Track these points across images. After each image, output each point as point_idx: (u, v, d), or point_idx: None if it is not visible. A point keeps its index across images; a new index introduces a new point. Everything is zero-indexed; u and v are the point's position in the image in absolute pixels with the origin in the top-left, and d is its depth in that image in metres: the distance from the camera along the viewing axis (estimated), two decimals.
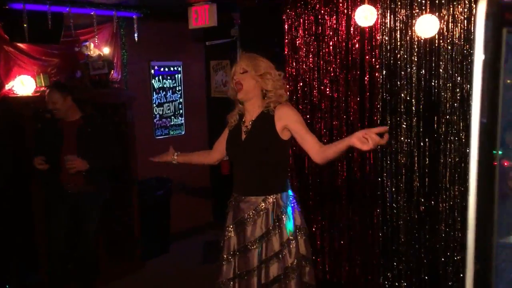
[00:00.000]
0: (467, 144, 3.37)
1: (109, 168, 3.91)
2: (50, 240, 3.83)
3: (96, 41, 4.43)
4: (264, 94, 2.56)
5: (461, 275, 3.46)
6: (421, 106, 3.55)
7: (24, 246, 4.06)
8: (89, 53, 4.46)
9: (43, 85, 4.18)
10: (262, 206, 2.49)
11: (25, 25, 3.84)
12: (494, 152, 0.70)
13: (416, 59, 3.53)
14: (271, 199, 2.49)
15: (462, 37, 3.31)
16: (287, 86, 2.66)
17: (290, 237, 2.47)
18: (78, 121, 3.74)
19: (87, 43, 4.46)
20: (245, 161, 2.56)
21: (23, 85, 4.05)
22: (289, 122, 2.46)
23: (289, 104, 2.60)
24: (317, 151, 2.37)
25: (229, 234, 2.57)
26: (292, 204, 2.57)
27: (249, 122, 2.58)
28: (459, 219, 3.45)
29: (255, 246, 2.47)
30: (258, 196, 2.51)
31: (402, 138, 3.65)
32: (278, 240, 2.45)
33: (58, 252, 3.80)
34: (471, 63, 3.28)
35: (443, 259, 3.56)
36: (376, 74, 3.73)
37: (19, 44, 4.12)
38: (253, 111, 2.57)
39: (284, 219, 2.48)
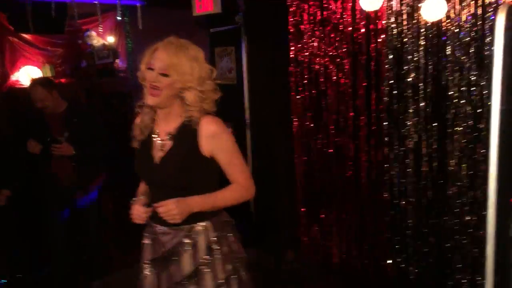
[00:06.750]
0: (474, 127, 3.35)
1: (98, 157, 3.80)
2: (50, 239, 3.83)
3: (100, 30, 4.42)
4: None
5: (470, 259, 3.48)
6: (428, 91, 3.53)
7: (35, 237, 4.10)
8: (92, 42, 4.46)
9: (49, 75, 4.19)
10: (188, 237, 2.00)
11: (29, 15, 3.84)
12: None
13: (423, 43, 3.49)
14: (199, 227, 2.01)
15: (470, 20, 3.27)
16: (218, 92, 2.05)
17: (228, 273, 2.03)
18: (64, 112, 3.67)
19: (89, 32, 4.46)
20: (164, 184, 2.01)
21: (29, 76, 4.07)
22: (216, 149, 1.99)
23: (218, 120, 2.02)
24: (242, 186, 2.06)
25: (146, 273, 2.07)
26: (227, 231, 2.10)
27: (165, 135, 2.01)
28: (466, 203, 3.45)
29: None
30: (183, 225, 1.98)
31: (409, 123, 3.64)
32: (212, 277, 1.99)
33: (59, 250, 3.80)
34: (480, 49, 3.25)
35: (451, 242, 3.57)
36: (383, 59, 3.70)
37: (24, 35, 4.13)
38: (170, 120, 2.00)
39: (217, 251, 2.01)
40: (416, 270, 3.78)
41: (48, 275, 3.98)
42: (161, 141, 2.01)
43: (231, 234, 2.10)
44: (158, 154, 2.00)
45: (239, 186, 2.03)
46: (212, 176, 2.04)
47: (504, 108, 0.66)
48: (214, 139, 1.95)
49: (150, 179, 2.07)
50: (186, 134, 1.96)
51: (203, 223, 2.01)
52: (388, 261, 3.91)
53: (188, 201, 1.92)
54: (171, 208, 1.88)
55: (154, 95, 1.90)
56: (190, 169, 1.96)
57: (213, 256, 2.00)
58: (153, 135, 2.03)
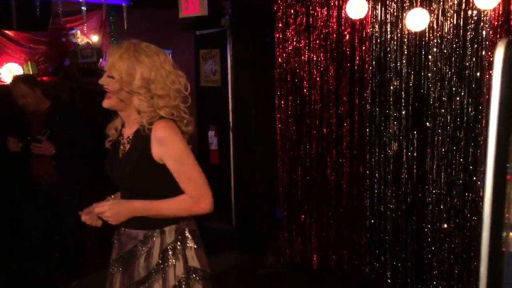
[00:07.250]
0: (454, 136, 3.43)
1: (79, 156, 3.76)
2: (30, 235, 3.79)
3: (85, 29, 4.39)
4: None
5: (446, 265, 3.55)
6: (410, 99, 3.60)
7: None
8: (76, 41, 4.43)
9: (31, 73, 4.14)
10: (143, 242, 1.96)
11: (13, 11, 3.79)
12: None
13: (406, 52, 3.56)
14: (154, 234, 1.95)
15: (452, 31, 3.35)
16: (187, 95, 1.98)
17: (177, 283, 1.93)
18: (47, 110, 3.63)
19: (74, 31, 4.42)
20: (121, 185, 2.05)
21: (11, 73, 4.01)
22: (164, 156, 1.90)
23: (169, 125, 1.90)
24: (190, 199, 1.93)
25: (114, 269, 2.07)
26: (187, 241, 2.00)
27: (126, 138, 2.00)
28: (444, 210, 3.52)
29: None
30: (139, 229, 1.97)
31: (390, 130, 3.70)
32: (161, 286, 1.93)
33: (39, 246, 3.78)
34: (462, 60, 3.33)
35: (428, 249, 3.63)
36: (366, 66, 3.76)
37: (7, 32, 4.08)
38: (131, 123, 1.98)
39: (170, 260, 1.94)
40: (394, 275, 3.83)
41: (35, 275, 3.94)
42: (123, 144, 2.00)
43: (192, 245, 1.99)
44: (120, 155, 2.00)
45: (187, 198, 1.92)
46: (169, 182, 1.93)
47: (499, 143, 0.69)
48: (162, 145, 1.87)
49: (113, 179, 2.05)
50: (140, 139, 1.91)
51: (160, 230, 1.95)
52: (367, 266, 3.96)
53: (127, 204, 1.92)
54: (103, 210, 1.89)
55: (107, 97, 1.92)
56: (142, 173, 1.92)
57: (165, 264, 1.93)
58: (120, 137, 2.04)
